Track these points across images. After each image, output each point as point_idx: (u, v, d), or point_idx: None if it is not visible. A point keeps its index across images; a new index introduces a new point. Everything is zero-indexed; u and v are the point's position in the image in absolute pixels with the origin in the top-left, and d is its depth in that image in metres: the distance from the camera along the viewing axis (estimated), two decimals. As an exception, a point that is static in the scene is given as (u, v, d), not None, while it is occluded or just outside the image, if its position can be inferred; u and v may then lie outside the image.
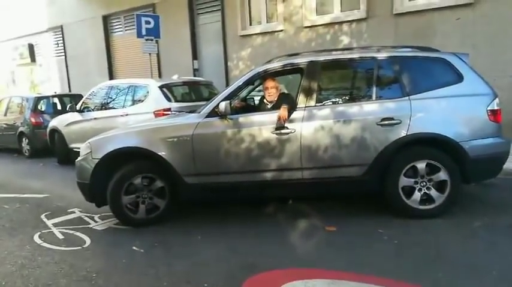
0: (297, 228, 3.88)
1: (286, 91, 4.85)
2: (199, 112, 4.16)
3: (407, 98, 3.86)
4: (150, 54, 9.56)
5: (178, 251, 3.51)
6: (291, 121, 3.90)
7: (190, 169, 4.00)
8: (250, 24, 9.83)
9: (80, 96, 9.79)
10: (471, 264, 2.96)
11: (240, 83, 4.20)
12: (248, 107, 4.74)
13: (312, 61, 4.12)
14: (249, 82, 4.37)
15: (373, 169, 3.84)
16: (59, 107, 10.32)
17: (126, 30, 12.76)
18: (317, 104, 3.98)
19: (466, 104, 3.89)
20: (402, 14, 7.34)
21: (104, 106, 7.62)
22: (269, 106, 4.30)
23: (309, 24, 8.57)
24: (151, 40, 9.49)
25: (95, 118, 7.48)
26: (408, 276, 2.82)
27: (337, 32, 8.21)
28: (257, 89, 5.08)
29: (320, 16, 8.56)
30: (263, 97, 4.49)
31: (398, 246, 3.35)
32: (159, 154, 3.99)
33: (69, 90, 14.39)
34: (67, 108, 8.56)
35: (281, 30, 9.02)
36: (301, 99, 4.00)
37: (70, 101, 10.16)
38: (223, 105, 3.89)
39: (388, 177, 3.84)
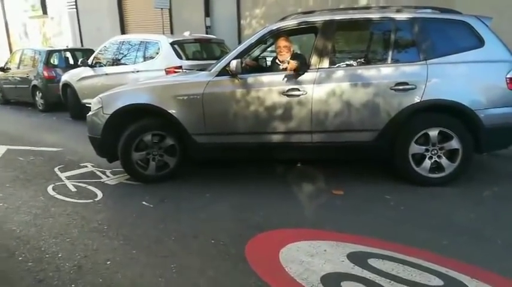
0: (304, 190, 3.92)
1: (299, 52, 4.73)
2: (210, 70, 4.10)
3: (424, 62, 3.73)
4: (162, 9, 9.35)
5: (187, 207, 3.58)
6: (303, 83, 3.83)
7: (200, 128, 3.99)
8: (266, -19, 9.48)
9: (92, 51, 9.71)
10: (477, 232, 2.98)
11: (252, 41, 4.09)
12: (260, 67, 4.67)
13: (326, 20, 3.98)
14: (261, 40, 4.25)
15: (384, 135, 3.79)
16: (71, 61, 10.28)
17: (138, -16, 12.43)
18: (330, 66, 3.89)
19: (484, 70, 3.76)
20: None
21: (115, 62, 7.57)
22: (281, 66, 4.21)
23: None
24: (164, -5, 9.26)
25: (106, 74, 7.45)
26: (414, 242, 2.84)
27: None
28: (270, 49, 4.97)
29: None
30: (275, 57, 4.39)
31: (405, 212, 3.37)
32: (170, 111, 3.98)
33: (81, 45, 14.27)
34: (79, 63, 8.52)
35: (297, -13, 8.70)
36: (314, 60, 3.89)
37: (82, 55, 10.09)
38: (234, 64, 3.81)
39: (398, 143, 3.79)
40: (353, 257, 2.64)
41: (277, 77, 3.95)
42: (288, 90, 3.84)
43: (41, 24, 17.23)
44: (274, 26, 4.14)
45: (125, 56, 7.51)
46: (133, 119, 4.08)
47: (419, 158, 3.82)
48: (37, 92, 9.82)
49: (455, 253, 2.66)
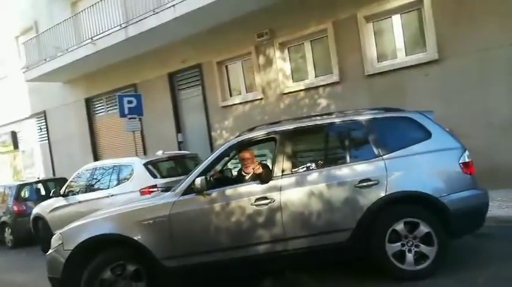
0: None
1: (264, 162, 4.87)
2: (175, 190, 4.08)
3: (381, 158, 3.90)
4: (133, 132, 9.66)
5: None
6: (269, 191, 3.86)
7: (168, 251, 3.81)
8: (231, 95, 10.15)
9: (64, 180, 9.66)
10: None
11: (214, 158, 4.18)
12: (226, 179, 4.73)
13: (280, 131, 4.16)
14: (224, 155, 4.36)
15: (357, 233, 3.76)
16: (42, 192, 10.14)
17: (108, 110, 13.01)
18: (293, 171, 3.97)
19: (438, 159, 3.92)
20: (374, 75, 7.72)
21: (88, 188, 7.49)
22: (247, 177, 4.31)
23: (287, 91, 8.90)
24: (135, 118, 9.64)
25: (80, 201, 7.31)
26: None
27: (314, 96, 8.52)
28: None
29: (296, 83, 8.93)
30: (241, 169, 4.50)
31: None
32: (135, 238, 3.81)
33: (53, 175, 14.24)
34: (51, 194, 8.39)
35: (261, 99, 9.33)
36: (277, 168, 3.98)
37: (54, 185, 10.00)
38: (198, 181, 3.83)
39: (374, 246, 3.76)
40: None
41: (244, 189, 3.97)
42: (256, 200, 3.83)
43: (11, 158, 17.30)
44: (234, 141, 4.32)
45: (99, 181, 7.48)
46: (97, 252, 3.84)
47: (400, 255, 3.76)
48: (6, 229, 9.43)
49: None
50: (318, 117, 4.66)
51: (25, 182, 10.64)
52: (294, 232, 3.80)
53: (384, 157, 3.90)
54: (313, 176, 3.93)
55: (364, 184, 3.80)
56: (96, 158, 13.12)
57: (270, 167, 4.14)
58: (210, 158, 4.23)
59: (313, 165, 4.12)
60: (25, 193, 9.91)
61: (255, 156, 4.52)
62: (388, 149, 3.93)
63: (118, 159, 7.76)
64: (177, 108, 11.10)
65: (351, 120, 4.18)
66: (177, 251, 3.82)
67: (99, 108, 13.45)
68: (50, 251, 4.07)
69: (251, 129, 4.67)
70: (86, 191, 7.47)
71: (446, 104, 6.80)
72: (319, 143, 4.53)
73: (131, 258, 3.85)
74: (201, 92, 10.43)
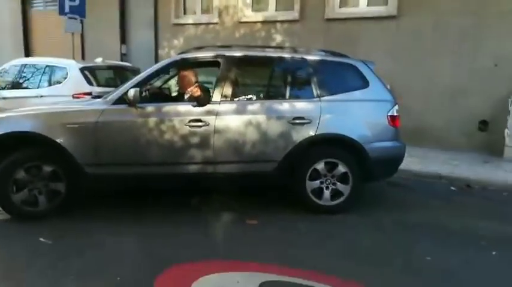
0: (217, 220, 3.84)
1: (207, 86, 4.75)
2: (106, 98, 3.91)
3: (318, 99, 4.02)
4: (73, 33, 8.91)
5: (90, 241, 3.28)
6: (205, 114, 3.84)
7: (91, 158, 3.72)
8: (185, 13, 9.59)
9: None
10: (378, 256, 3.16)
11: (153, 71, 4.03)
12: (162, 97, 4.59)
13: (227, 55, 4.09)
14: (163, 70, 4.21)
15: (283, 165, 3.94)
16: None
17: (47, 5, 11.77)
18: (232, 99, 3.97)
19: (369, 108, 4.14)
20: (333, 20, 7.65)
21: (15, 85, 6.94)
22: (185, 98, 4.23)
23: (244, 20, 8.58)
24: (75, 19, 8.86)
25: (4, 98, 6.77)
26: (326, 267, 2.91)
27: (271, 30, 8.31)
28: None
29: (255, 13, 8.61)
30: (179, 88, 4.42)
31: (316, 239, 3.46)
32: (57, 140, 3.64)
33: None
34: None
35: (216, 23, 8.92)
36: (216, 93, 3.95)
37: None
38: (132, 92, 3.67)
39: (296, 181, 3.99)
40: (267, 288, 2.61)
41: (180, 108, 3.91)
42: (190, 121, 3.81)
43: None
44: (177, 57, 4.17)
45: (28, 79, 6.95)
46: (13, 149, 3.64)
47: (318, 191, 4.02)
48: None
49: (360, 278, 2.78)
50: (270, 49, 4.62)
51: None
52: (224, 156, 3.87)
53: (321, 98, 4.01)
54: (251, 106, 3.97)
55: (297, 121, 3.91)
56: (28, 55, 12.04)
57: (210, 91, 4.06)
58: (148, 70, 4.04)
59: (253, 96, 4.16)
60: None
61: (196, 78, 4.39)
62: (327, 92, 4.06)
63: (52, 58, 7.18)
64: (124, 17, 10.30)
65: (300, 58, 4.19)
66: (101, 159, 3.73)
67: (37, 1, 12.11)
68: None
69: (199, 48, 4.49)
70: (12, 88, 6.93)
71: (395, 60, 6.99)
72: (263, 75, 4.52)
73: (49, 160, 3.69)
74: (153, 4, 9.70)
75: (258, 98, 4.15)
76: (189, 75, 4.39)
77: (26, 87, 6.82)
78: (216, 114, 3.85)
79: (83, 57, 10.60)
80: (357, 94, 4.12)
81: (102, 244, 3.25)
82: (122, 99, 3.77)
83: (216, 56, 4.09)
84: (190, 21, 9.33)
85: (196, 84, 4.36)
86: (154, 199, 4.33)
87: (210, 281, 2.73)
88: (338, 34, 7.56)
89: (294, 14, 8.02)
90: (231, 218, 3.93)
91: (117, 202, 4.25)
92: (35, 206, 3.70)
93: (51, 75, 6.70)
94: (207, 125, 3.81)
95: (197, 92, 4.02)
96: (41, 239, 3.29)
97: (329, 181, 4.02)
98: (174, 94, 4.78)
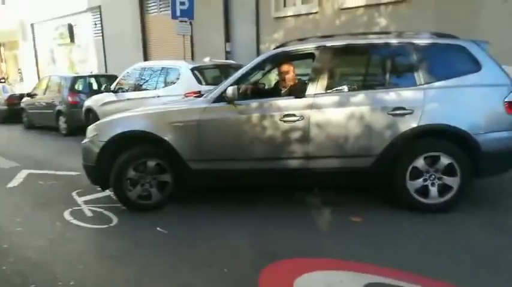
0: (322, 217, 3.81)
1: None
2: (207, 97, 4.09)
3: (421, 87, 3.68)
4: (183, 35, 9.57)
5: (202, 234, 3.52)
6: (300, 108, 3.79)
7: (196, 154, 3.94)
8: (285, 6, 9.60)
9: (115, 77, 9.94)
10: (495, 261, 2.83)
11: (249, 68, 4.11)
12: (260, 92, 4.65)
13: (322, 46, 3.97)
14: (260, 66, 4.28)
15: (382, 160, 3.70)
16: (94, 86, 10.59)
17: (161, 10, 12.82)
18: (327, 91, 3.85)
19: (482, 94, 3.68)
20: (445, -3, 6.92)
21: (137, 87, 7.74)
22: (282, 92, 4.21)
23: (345, 6, 8.26)
24: (185, 21, 9.49)
25: (128, 99, 7.60)
26: (434, 272, 2.70)
27: (374, 14, 7.87)
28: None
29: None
30: (277, 82, 4.40)
31: (424, 240, 3.22)
32: (165, 138, 3.93)
33: (106, 71, 14.71)
34: (102, 89, 8.76)
35: (316, 12, 8.76)
36: (311, 86, 3.86)
37: (106, 81, 10.38)
38: (230, 91, 3.79)
39: (397, 183, 3.73)
40: (372, 290, 2.52)
41: (275, 103, 3.91)
42: (284, 116, 3.79)
43: (68, 51, 17.92)
44: (272, 53, 4.19)
45: (147, 81, 7.68)
46: (128, 147, 4.04)
47: (424, 189, 3.71)
48: (61, 117, 10.09)
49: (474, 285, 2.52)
50: (372, 36, 4.38)
51: (79, 75, 11.11)
52: (318, 151, 3.79)
53: (425, 85, 3.68)
54: (346, 98, 3.81)
55: (398, 112, 3.65)
56: (146, 58, 13.31)
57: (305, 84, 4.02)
58: (245, 67, 4.16)
59: (349, 86, 4.00)
60: (79, 86, 10.39)
61: (295, 71, 4.38)
62: (432, 78, 3.70)
63: (166, 61, 7.83)
64: (228, 15, 10.72)
65: (401, 42, 3.90)
66: (203, 155, 3.95)
67: (153, 6, 13.27)
68: (84, 140, 4.31)
69: (301, 40, 4.45)
70: (134, 90, 7.73)
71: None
72: (360, 64, 4.35)
73: (156, 156, 4.01)
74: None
75: (354, 88, 3.97)
76: (286, 69, 4.36)
77: (146, 89, 7.54)
78: (311, 107, 3.78)
79: (192, 58, 11.34)
80: (467, 79, 3.69)
81: (212, 237, 3.46)
82: (221, 98, 3.92)
83: (315, 48, 4.01)
84: (290, 13, 9.31)
85: (295, 78, 4.34)
86: (258, 194, 4.45)
87: (313, 278, 2.72)
88: (450, 8, 6.82)
89: (400, -5, 7.47)
90: (335, 214, 3.86)
91: (223, 198, 4.46)
92: (149, 199, 4.09)
93: (166, 76, 7.30)
94: (301, 119, 3.76)
95: (292, 83, 3.95)
96: (158, 228, 3.64)
97: (433, 176, 3.68)
98: (272, 88, 4.81)
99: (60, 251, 3.28)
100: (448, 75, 3.73)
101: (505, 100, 3.61)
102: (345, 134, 3.74)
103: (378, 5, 7.78)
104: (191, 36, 10.86)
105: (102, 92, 8.65)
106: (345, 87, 3.99)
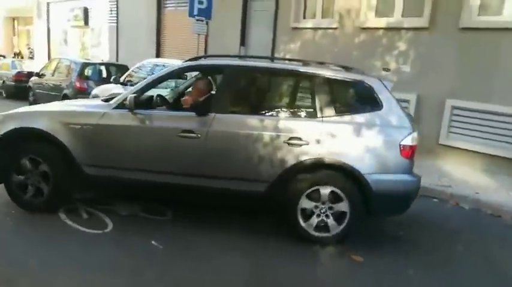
0: (320, 251, 3.64)
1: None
2: (110, 102, 4.01)
3: (320, 119, 3.64)
4: (198, 35, 9.48)
5: (198, 253, 3.41)
6: (198, 126, 3.72)
7: (91, 159, 3.85)
8: (304, 17, 9.51)
9: (125, 67, 9.89)
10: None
11: (154, 78, 4.07)
12: (165, 104, 4.51)
13: (229, 65, 3.99)
14: (168, 77, 4.26)
15: (274, 187, 3.65)
16: (104, 75, 10.50)
17: (178, 6, 12.74)
18: (229, 112, 3.81)
19: (379, 134, 3.61)
20: (469, 29, 6.78)
21: (146, 83, 7.62)
22: (185, 106, 4.14)
23: (366, 26, 8.15)
24: (202, 21, 9.40)
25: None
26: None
27: (394, 37, 7.76)
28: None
29: (378, 18, 8.11)
30: (182, 95, 4.46)
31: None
32: (60, 139, 3.81)
33: (117, 59, 14.63)
34: (111, 79, 8.66)
35: (335, 28, 8.65)
36: (214, 104, 3.82)
37: (115, 71, 10.32)
38: (128, 99, 3.72)
39: (289, 195, 3.64)
40: None
41: (175, 117, 3.91)
42: (182, 131, 3.71)
43: (81, 34, 17.85)
44: (180, 66, 4.16)
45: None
46: (23, 143, 3.91)
47: (308, 214, 3.66)
48: (67, 102, 9.98)
49: None
50: (278, 62, 4.54)
51: (89, 61, 11.01)
52: (214, 171, 3.73)
53: (324, 118, 3.64)
54: (245, 121, 3.74)
55: (294, 141, 3.60)
56: (158, 51, 13.23)
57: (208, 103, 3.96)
58: (151, 77, 4.21)
59: (250, 110, 4.00)
60: (88, 72, 10.30)
61: (209, 88, 4.31)
62: (332, 112, 3.67)
63: (179, 61, 7.69)
64: (245, 20, 10.64)
65: (305, 73, 3.91)
66: (98, 160, 3.87)
67: (170, 1, 13.19)
68: None
69: (217, 56, 4.57)
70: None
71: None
72: (267, 89, 4.38)
73: (48, 157, 3.86)
74: (274, 7, 9.82)
75: (255, 113, 3.91)
76: (198, 83, 4.33)
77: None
78: (210, 126, 3.71)
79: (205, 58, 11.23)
80: (367, 117, 3.66)
81: (206, 257, 3.36)
82: (123, 105, 3.82)
83: (223, 66, 4.04)
84: (309, 25, 9.22)
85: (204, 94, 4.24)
86: (260, 215, 4.34)
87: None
88: (474, 47, 6.71)
89: (422, 21, 7.33)
90: (335, 251, 3.67)
91: (223, 215, 4.32)
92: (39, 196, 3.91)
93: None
94: (199, 137, 3.69)
95: (188, 102, 4.00)
96: (153, 242, 3.54)
97: (324, 210, 3.63)
98: (176, 101, 4.63)
99: (49, 255, 3.17)
100: (349, 111, 3.77)
101: (401, 143, 3.56)
102: (241, 157, 3.68)
103: (399, 29, 7.67)
104: (206, 37, 10.76)
105: (110, 82, 8.55)
106: (247, 110, 3.99)
